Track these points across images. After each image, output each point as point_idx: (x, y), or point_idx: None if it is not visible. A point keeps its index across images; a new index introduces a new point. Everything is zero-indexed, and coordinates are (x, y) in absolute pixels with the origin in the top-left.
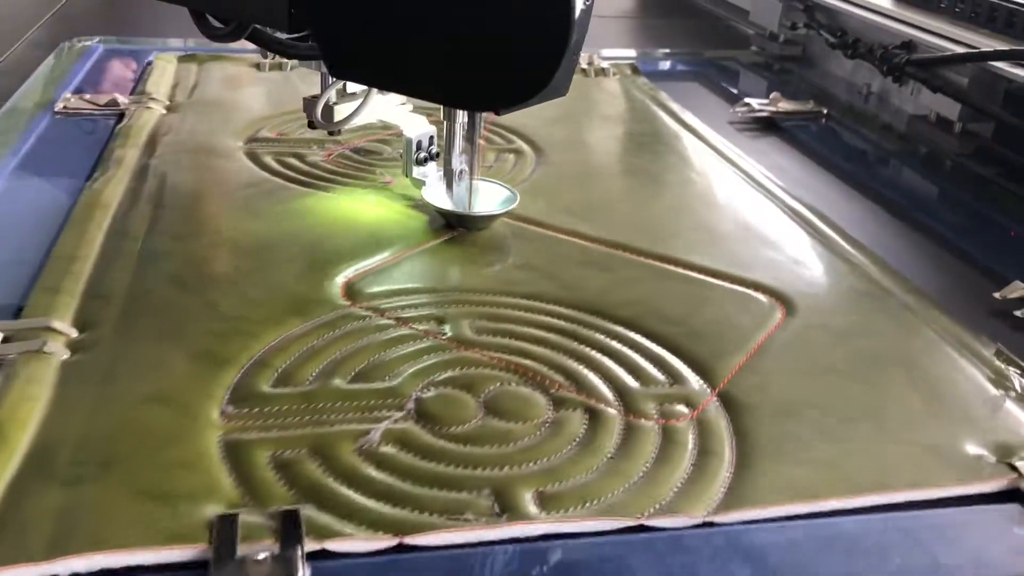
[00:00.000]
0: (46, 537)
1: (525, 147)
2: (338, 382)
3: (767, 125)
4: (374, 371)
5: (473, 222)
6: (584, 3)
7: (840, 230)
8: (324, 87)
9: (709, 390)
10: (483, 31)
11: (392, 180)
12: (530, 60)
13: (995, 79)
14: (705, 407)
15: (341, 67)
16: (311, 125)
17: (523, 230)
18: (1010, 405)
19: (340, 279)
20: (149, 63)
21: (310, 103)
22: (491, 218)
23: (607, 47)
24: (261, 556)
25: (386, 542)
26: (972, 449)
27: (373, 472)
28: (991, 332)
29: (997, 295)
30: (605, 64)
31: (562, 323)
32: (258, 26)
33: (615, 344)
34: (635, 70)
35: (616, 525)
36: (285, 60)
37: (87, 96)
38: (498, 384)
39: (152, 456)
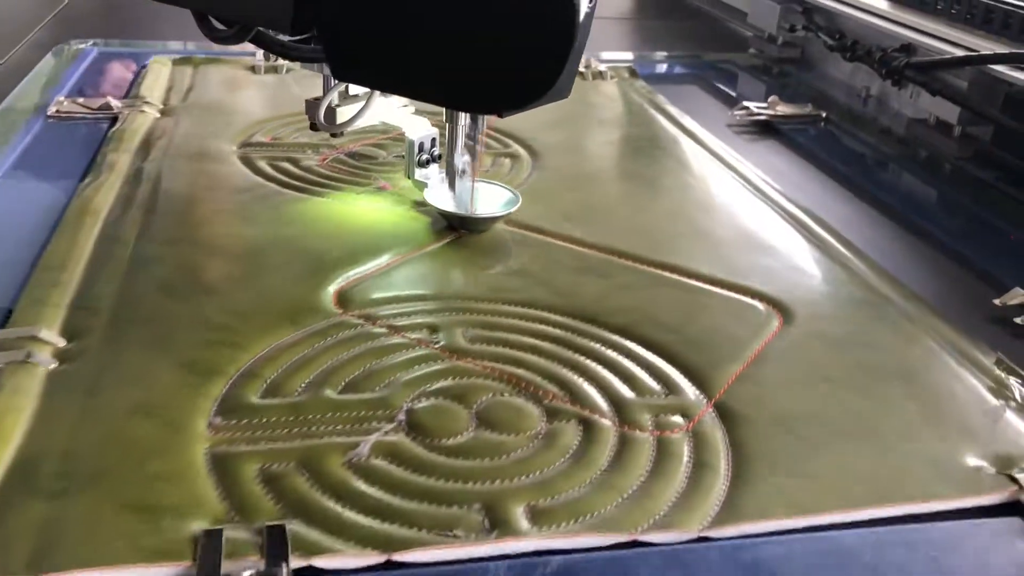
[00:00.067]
0: (27, 553)
1: (521, 151)
2: (328, 393)
3: (765, 128)
4: (365, 381)
5: (475, 224)
6: (588, 6)
7: (838, 236)
8: (326, 89)
9: (705, 400)
10: (487, 34)
11: (387, 185)
12: (534, 63)
13: (995, 82)
14: (701, 418)
15: (344, 69)
16: (313, 127)
17: (518, 235)
18: (1010, 415)
19: (332, 287)
20: (144, 66)
21: (313, 105)
22: (493, 220)
23: (604, 49)
24: (246, 573)
25: (374, 559)
26: (972, 461)
27: (362, 486)
28: (991, 340)
29: (997, 302)
30: (603, 67)
31: (557, 331)
32: (261, 28)
33: (610, 353)
34: (633, 73)
35: (609, 541)
36: (281, 63)
37: (80, 100)
38: (491, 395)
39: (137, 469)
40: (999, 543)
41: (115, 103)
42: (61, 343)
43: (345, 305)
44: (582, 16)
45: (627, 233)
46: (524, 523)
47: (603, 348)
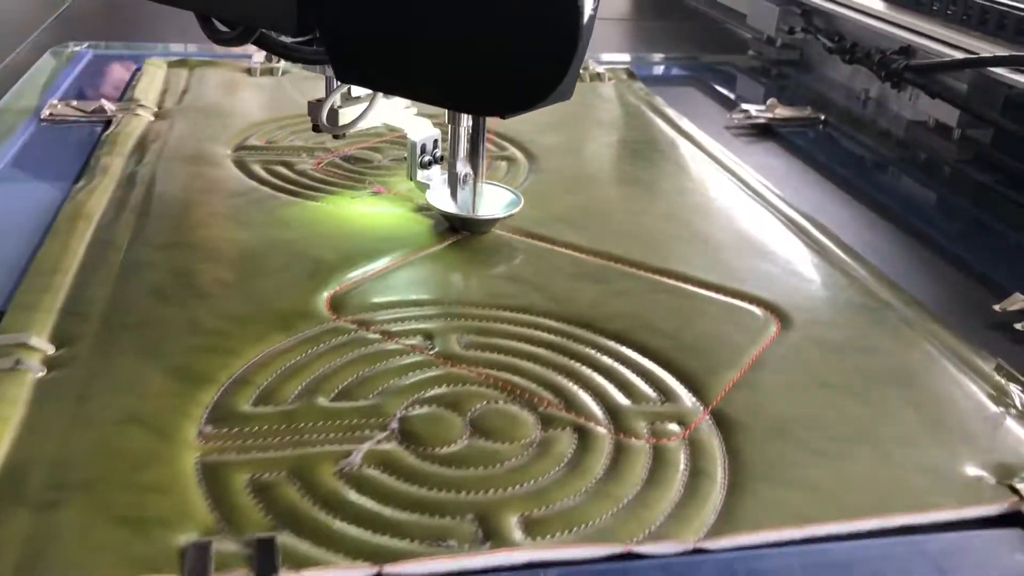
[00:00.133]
0: (13, 564)
1: (518, 154)
2: (321, 400)
3: (764, 131)
4: (358, 389)
5: (477, 225)
6: (591, 9)
7: (837, 240)
8: (329, 91)
9: (701, 407)
10: (491, 36)
11: (382, 189)
12: (538, 65)
13: (994, 85)
14: (697, 425)
15: (347, 70)
16: (316, 128)
17: (514, 240)
18: (1011, 423)
19: (326, 292)
20: (138, 69)
21: (315, 106)
22: (495, 221)
23: (602, 51)
24: None
25: (365, 571)
26: (971, 470)
27: (354, 496)
28: (991, 346)
29: (997, 307)
30: (600, 69)
31: (552, 337)
32: (264, 30)
33: (606, 359)
34: (631, 75)
35: (604, 552)
36: (277, 65)
37: (74, 103)
38: (485, 402)
39: (126, 479)
40: (999, 555)
41: (109, 106)
42: (51, 350)
43: (339, 310)
44: (586, 19)
45: (624, 237)
46: (518, 534)
47: (599, 354)
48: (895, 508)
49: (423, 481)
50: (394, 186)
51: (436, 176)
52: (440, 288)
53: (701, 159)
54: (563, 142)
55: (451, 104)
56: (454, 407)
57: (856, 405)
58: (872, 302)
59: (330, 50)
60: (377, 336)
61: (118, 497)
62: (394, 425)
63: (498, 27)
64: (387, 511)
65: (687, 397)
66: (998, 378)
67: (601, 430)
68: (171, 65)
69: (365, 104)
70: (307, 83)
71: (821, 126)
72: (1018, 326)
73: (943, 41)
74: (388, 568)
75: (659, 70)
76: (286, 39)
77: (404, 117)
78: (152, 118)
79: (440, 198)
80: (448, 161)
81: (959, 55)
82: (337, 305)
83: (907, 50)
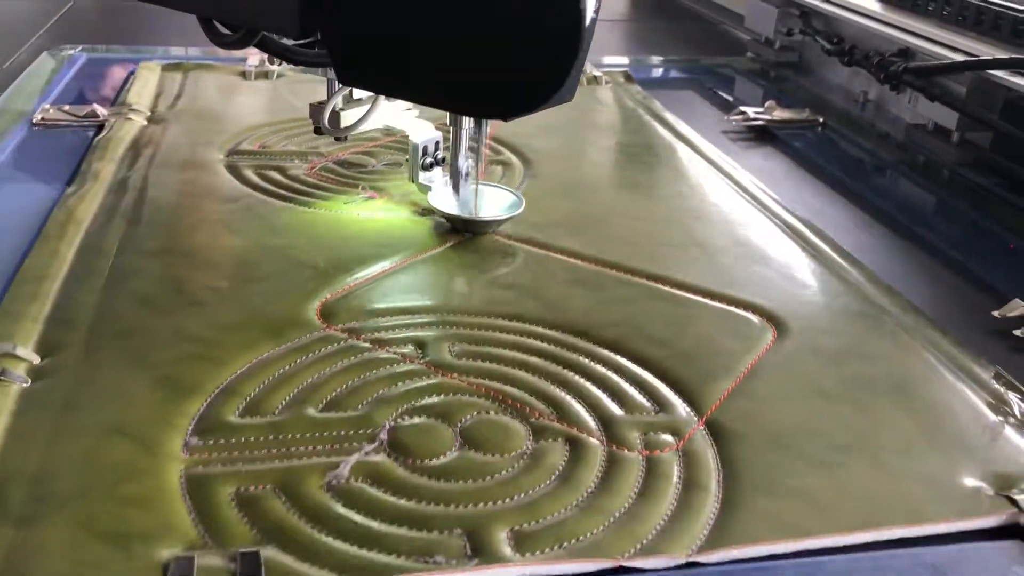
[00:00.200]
0: None
1: (513, 159)
2: (309, 411)
3: (762, 134)
4: (347, 399)
5: (479, 226)
6: (593, 11)
7: (835, 245)
8: (331, 93)
9: (696, 418)
10: (492, 39)
11: (375, 194)
12: (540, 67)
13: (994, 88)
14: (691, 436)
15: (350, 73)
16: (318, 131)
17: (509, 246)
18: (1009, 432)
19: (317, 300)
20: (132, 73)
21: (317, 109)
22: (497, 222)
23: (599, 52)
24: None
25: None
26: (969, 481)
27: (340, 509)
28: (990, 353)
29: (996, 314)
30: (597, 72)
31: (545, 345)
32: (266, 33)
33: (599, 368)
34: (628, 78)
35: (594, 567)
36: (271, 69)
37: (66, 107)
38: (476, 412)
39: (109, 492)
40: (998, 567)
41: (101, 110)
42: (36, 360)
43: (329, 318)
44: (587, 21)
45: (620, 243)
46: (507, 549)
47: (592, 363)
48: (892, 520)
49: (411, 494)
50: (387, 191)
51: (438, 178)
52: (433, 295)
53: (698, 163)
54: (559, 146)
55: (453, 107)
56: (445, 418)
57: (853, 414)
58: (869, 308)
59: (332, 52)
60: (368, 345)
61: (101, 511)
62: (383, 436)
63: (500, 30)
64: (374, 525)
65: (681, 407)
66: (997, 386)
67: (593, 441)
68: (165, 69)
69: (367, 106)
70: (302, 86)
71: (820, 129)
72: (1017, 333)
73: (941, 43)
74: None
75: (657, 73)
76: (288, 42)
77: (405, 119)
78: (145, 122)
79: (442, 200)
80: (450, 162)
81: (957, 57)
82: (328, 313)
83: (906, 52)
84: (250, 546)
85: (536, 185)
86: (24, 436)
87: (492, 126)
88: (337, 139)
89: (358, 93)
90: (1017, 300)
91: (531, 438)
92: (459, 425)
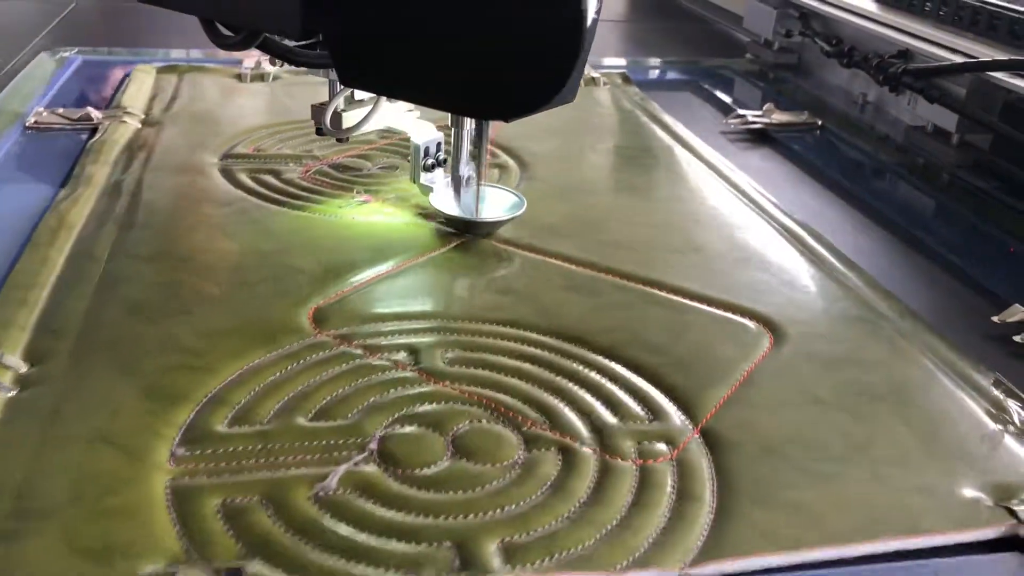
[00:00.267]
0: None
1: (510, 161)
2: (298, 420)
3: (761, 137)
4: (337, 407)
5: (480, 228)
6: (594, 12)
7: (833, 249)
8: (332, 94)
9: (691, 426)
10: (494, 40)
11: (370, 198)
12: (542, 68)
13: (993, 89)
14: (686, 445)
15: (351, 74)
16: (319, 132)
17: (504, 251)
18: (1009, 441)
19: (309, 305)
20: (127, 75)
21: (318, 110)
22: (498, 224)
23: (596, 53)
24: None
25: None
26: (968, 491)
27: (328, 522)
28: (989, 359)
29: (996, 319)
30: (595, 73)
31: (539, 352)
32: (268, 34)
33: (594, 375)
34: (626, 79)
35: None
36: (267, 71)
37: (60, 110)
38: (468, 421)
39: (93, 505)
40: None
41: (95, 113)
42: (23, 368)
43: (321, 324)
44: (589, 22)
45: (616, 248)
46: (496, 561)
47: (587, 370)
48: (889, 531)
49: (401, 505)
50: (383, 194)
51: (439, 179)
52: (426, 300)
53: (697, 166)
54: (556, 149)
55: (454, 108)
56: (436, 426)
57: (850, 422)
58: (867, 314)
59: (334, 54)
60: (359, 351)
61: (83, 524)
62: (373, 446)
63: (501, 30)
64: (362, 538)
65: (676, 415)
66: (996, 393)
67: (586, 451)
68: (160, 71)
69: (368, 107)
70: (298, 88)
71: (818, 131)
72: (1017, 338)
73: (940, 44)
74: None
75: (655, 74)
76: (290, 43)
77: (407, 120)
78: (139, 126)
79: (443, 201)
80: (452, 164)
81: (956, 58)
82: (320, 319)
83: (905, 54)
84: (235, 560)
85: (532, 188)
86: (10, 446)
87: (491, 127)
88: (339, 140)
89: (359, 94)
90: (1017, 305)
91: (523, 447)
92: (451, 434)
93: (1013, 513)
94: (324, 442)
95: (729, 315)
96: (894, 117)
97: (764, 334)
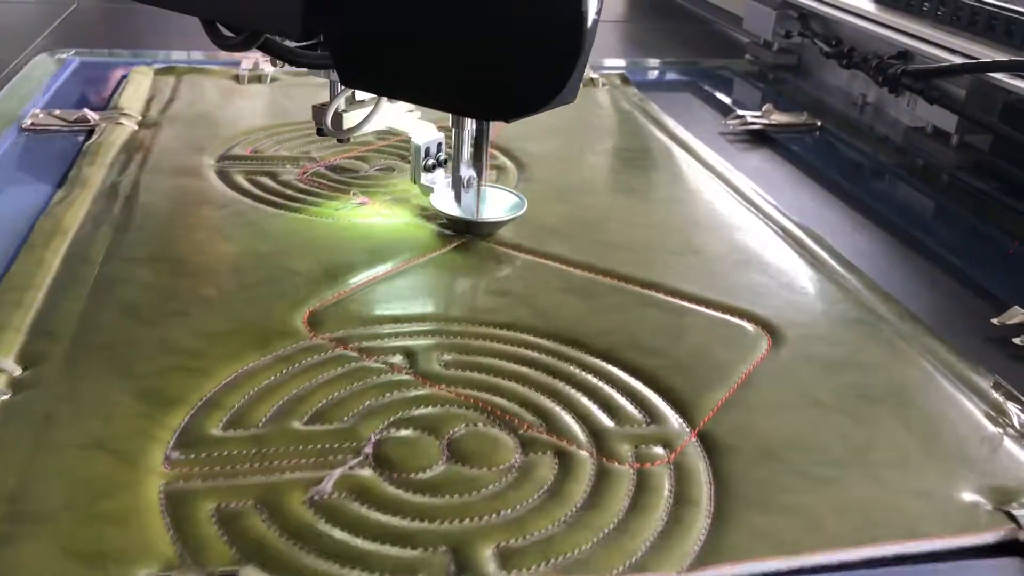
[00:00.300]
0: None
1: (507, 162)
2: (293, 423)
3: (760, 138)
4: (332, 411)
5: (481, 228)
6: (595, 12)
7: (832, 250)
8: (333, 95)
9: (688, 429)
10: (495, 40)
11: (367, 200)
12: (543, 69)
13: (993, 90)
14: (683, 448)
15: (352, 75)
16: (320, 133)
17: (502, 253)
18: (1008, 444)
19: (305, 308)
20: (124, 76)
21: (319, 111)
22: (499, 224)
23: (595, 54)
24: None
25: None
26: (967, 496)
27: (322, 526)
28: (988, 361)
29: (995, 321)
30: (594, 74)
31: (536, 355)
32: (269, 35)
33: (591, 378)
34: (625, 80)
35: None
36: (265, 72)
37: (56, 112)
38: (464, 424)
39: (86, 509)
40: None
41: (92, 115)
42: (17, 371)
43: (317, 327)
44: (590, 22)
45: (614, 250)
46: (492, 566)
47: (584, 373)
48: (887, 536)
49: (396, 510)
50: (379, 196)
51: (440, 179)
52: (422, 303)
53: (695, 167)
54: (554, 150)
55: (455, 108)
56: (432, 430)
57: (849, 425)
58: (866, 316)
59: (334, 54)
60: (355, 354)
61: (76, 529)
62: (368, 449)
63: (502, 31)
64: (357, 542)
65: (673, 418)
66: (996, 396)
67: (583, 454)
68: (158, 73)
69: (369, 108)
70: (296, 90)
71: (818, 132)
72: (1017, 341)
73: (940, 45)
74: None
75: (654, 75)
76: (291, 44)
77: (408, 120)
78: (136, 127)
79: (444, 201)
80: (452, 165)
81: (956, 59)
82: (316, 321)
83: (905, 55)
84: (229, 565)
85: (530, 189)
86: (4, 449)
87: (492, 128)
88: (340, 141)
89: (360, 95)
90: (1016, 307)
91: (520, 451)
92: (446, 438)
93: (1012, 517)
94: (319, 446)
95: (727, 317)
96: (893, 118)
97: (762, 336)
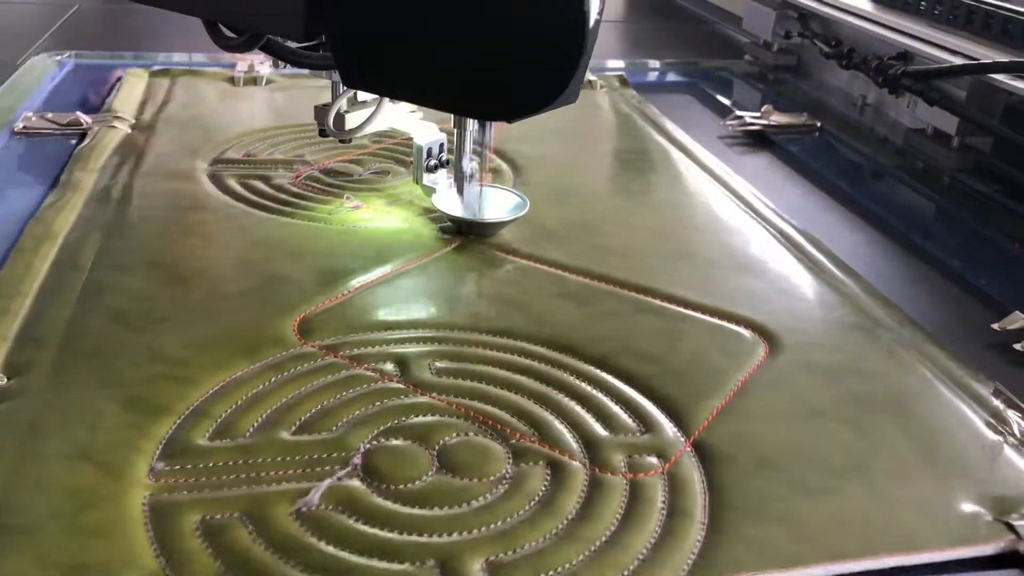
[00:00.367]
0: None
1: (503, 165)
2: (281, 433)
3: (759, 139)
4: (321, 420)
5: (483, 228)
6: (597, 12)
7: (830, 255)
8: (335, 95)
9: (683, 438)
10: (497, 40)
11: (360, 204)
12: (544, 69)
13: (994, 92)
14: (678, 458)
15: (354, 76)
16: (323, 133)
17: (497, 258)
18: (1009, 453)
19: (296, 314)
20: (119, 79)
21: (321, 111)
22: (501, 224)
23: (594, 55)
24: None
25: None
26: (967, 506)
27: (309, 539)
28: (988, 368)
29: (996, 326)
30: (592, 76)
31: (529, 362)
32: (271, 36)
33: (585, 386)
34: (623, 82)
35: None
36: (260, 74)
37: (49, 115)
38: (455, 434)
39: (69, 522)
40: None
41: (84, 118)
42: (2, 380)
43: (307, 334)
44: (591, 23)
45: (611, 254)
46: None
47: (578, 381)
48: (885, 548)
49: (384, 522)
50: (373, 200)
51: (442, 180)
52: (415, 309)
53: (694, 170)
54: (551, 152)
55: (457, 109)
56: (422, 440)
57: (846, 435)
58: (865, 322)
59: (336, 55)
60: (345, 362)
61: (59, 542)
62: (357, 460)
63: (504, 31)
64: (343, 555)
65: (668, 427)
66: (996, 403)
67: (576, 464)
68: (152, 75)
69: (371, 109)
70: (291, 93)
71: (817, 133)
72: (1017, 347)
73: (940, 46)
74: None
75: (653, 76)
76: (293, 44)
77: (410, 121)
78: (129, 130)
79: (446, 202)
80: (454, 164)
81: (956, 60)
82: (306, 329)
83: (905, 55)
84: None
85: (526, 193)
86: None
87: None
88: (342, 141)
89: (362, 95)
90: (1017, 312)
91: (511, 461)
92: (436, 447)
93: (1012, 528)
94: (307, 456)
95: (724, 323)
96: (894, 119)
97: (759, 343)
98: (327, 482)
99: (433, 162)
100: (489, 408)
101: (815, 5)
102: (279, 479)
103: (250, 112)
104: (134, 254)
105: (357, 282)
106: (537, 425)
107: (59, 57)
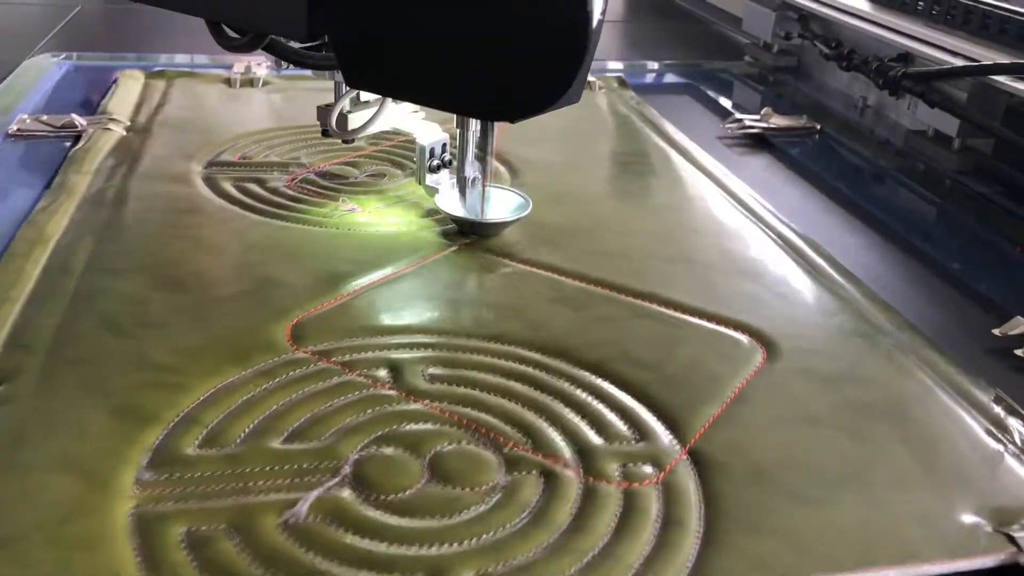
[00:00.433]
0: None
1: (500, 168)
2: (271, 442)
3: (759, 142)
4: (311, 428)
5: (486, 228)
6: (600, 13)
7: (830, 259)
8: (338, 96)
9: (679, 447)
10: (500, 41)
11: (356, 208)
12: (548, 69)
13: (995, 93)
14: (673, 467)
15: (357, 76)
16: (325, 133)
17: (493, 262)
18: (1010, 461)
19: (288, 320)
20: (115, 81)
21: (324, 111)
22: (504, 224)
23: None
24: None
25: None
26: (967, 517)
27: (296, 551)
28: (989, 374)
29: (997, 332)
30: (591, 77)
31: (525, 368)
32: (273, 36)
33: (580, 393)
34: (622, 83)
35: None
36: (257, 76)
37: (43, 117)
38: (447, 442)
39: (51, 533)
40: None
41: (79, 120)
42: None
43: (300, 340)
44: (594, 23)
45: (607, 258)
46: None
47: (572, 387)
48: (883, 560)
49: (373, 534)
50: (369, 203)
51: (445, 180)
52: (409, 314)
53: (692, 173)
54: (548, 154)
55: (459, 109)
56: (413, 448)
57: (844, 443)
58: (864, 327)
59: (339, 55)
60: (337, 368)
61: (40, 555)
62: (347, 470)
63: (507, 31)
64: (332, 567)
65: (664, 435)
66: (997, 410)
67: (569, 474)
68: (149, 76)
69: (374, 109)
70: (288, 94)
71: (817, 136)
72: (1019, 352)
73: (941, 47)
74: None
75: (652, 77)
76: (296, 45)
77: (412, 121)
78: (124, 133)
79: (449, 202)
80: (457, 166)
81: (957, 61)
82: (299, 334)
83: (906, 57)
84: None
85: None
86: None
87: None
88: (345, 141)
89: (365, 95)
90: (1018, 317)
91: (504, 470)
92: (427, 456)
93: (1013, 540)
94: (296, 466)
95: (722, 329)
96: (894, 121)
97: (757, 349)
98: (315, 493)
99: (436, 162)
100: (482, 416)
101: (815, 6)
102: (267, 489)
103: (246, 114)
104: (127, 258)
105: (351, 287)
106: (531, 433)
107: (57, 58)
